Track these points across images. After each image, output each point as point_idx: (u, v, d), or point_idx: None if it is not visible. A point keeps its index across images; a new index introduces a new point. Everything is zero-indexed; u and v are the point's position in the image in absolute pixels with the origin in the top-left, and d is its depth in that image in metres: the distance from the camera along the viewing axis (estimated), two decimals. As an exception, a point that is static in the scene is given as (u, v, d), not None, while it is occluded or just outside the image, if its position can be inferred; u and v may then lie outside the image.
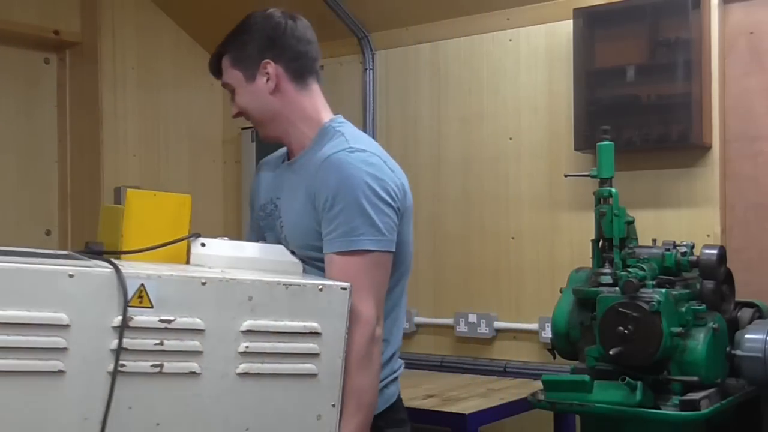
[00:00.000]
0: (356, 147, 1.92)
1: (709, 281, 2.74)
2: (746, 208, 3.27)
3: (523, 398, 2.94)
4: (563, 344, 2.81)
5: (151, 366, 1.57)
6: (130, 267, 1.60)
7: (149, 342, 1.57)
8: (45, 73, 4.19)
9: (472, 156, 3.82)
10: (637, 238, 2.81)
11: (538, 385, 2.82)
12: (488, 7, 3.73)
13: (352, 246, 1.82)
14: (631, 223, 2.78)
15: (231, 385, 1.65)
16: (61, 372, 1.50)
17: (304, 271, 1.89)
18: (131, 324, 1.54)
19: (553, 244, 3.58)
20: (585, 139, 3.37)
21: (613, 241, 2.74)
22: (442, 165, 3.90)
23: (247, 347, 1.66)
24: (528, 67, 3.67)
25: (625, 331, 2.50)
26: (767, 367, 2.57)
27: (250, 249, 1.89)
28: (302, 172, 1.96)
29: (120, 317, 1.53)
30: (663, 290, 2.56)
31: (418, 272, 3.95)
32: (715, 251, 2.71)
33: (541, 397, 2.73)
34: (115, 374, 1.53)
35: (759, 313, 2.85)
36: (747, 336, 2.64)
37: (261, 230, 2.07)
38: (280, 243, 1.96)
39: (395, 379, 2.08)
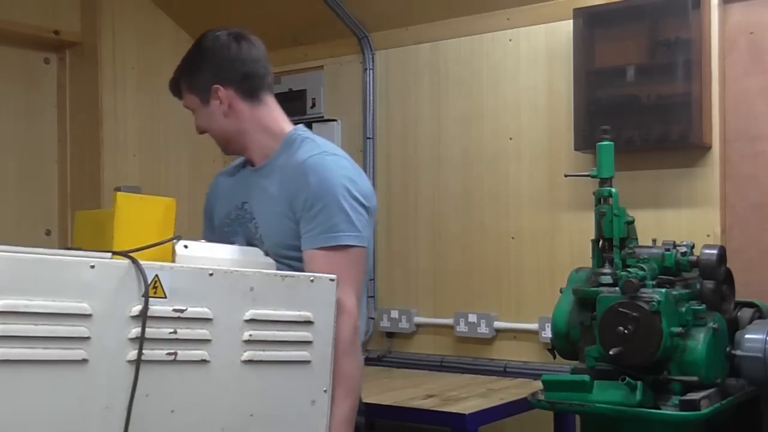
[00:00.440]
0: (329, 151, 2.07)
1: (709, 281, 2.74)
2: (746, 208, 3.27)
3: (523, 398, 2.94)
4: (563, 344, 2.81)
5: (167, 354, 1.64)
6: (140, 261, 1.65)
7: (164, 331, 1.63)
8: (45, 73, 4.19)
9: (472, 156, 3.82)
10: (637, 238, 2.81)
11: (538, 385, 2.82)
12: (488, 7, 3.73)
13: (334, 242, 1.96)
14: (631, 223, 2.78)
15: (237, 372, 1.73)
16: (84, 361, 1.55)
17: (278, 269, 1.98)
18: (152, 313, 1.60)
19: (553, 244, 3.58)
20: (585, 139, 3.37)
21: (613, 241, 2.73)
22: (442, 165, 3.90)
23: (250, 335, 1.74)
24: (528, 67, 3.67)
25: (625, 331, 2.50)
26: (767, 367, 2.57)
27: (229, 251, 1.98)
28: (273, 176, 2.09)
29: (139, 306, 1.59)
30: (663, 290, 2.56)
31: (418, 272, 3.96)
32: (715, 251, 2.71)
33: (541, 397, 2.73)
34: (138, 362, 1.59)
35: (759, 313, 2.85)
36: (747, 336, 2.64)
37: (225, 236, 2.15)
38: (252, 244, 2.07)
39: None
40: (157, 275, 1.62)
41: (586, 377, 2.61)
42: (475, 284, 3.80)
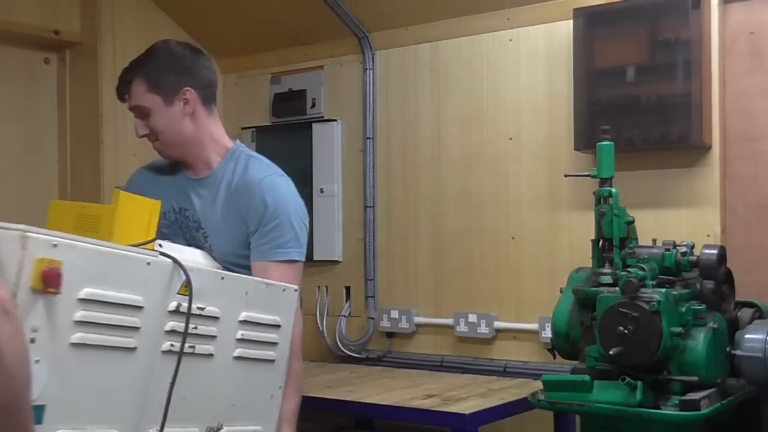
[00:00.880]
0: (278, 173, 2.30)
1: (709, 281, 2.74)
2: (746, 208, 3.27)
3: (523, 398, 2.94)
4: (563, 344, 2.81)
5: (188, 347, 1.78)
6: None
7: (188, 326, 1.77)
8: (45, 73, 4.19)
9: (472, 156, 3.82)
10: (637, 238, 2.81)
11: (538, 385, 2.82)
12: (488, 7, 3.73)
13: (285, 256, 2.21)
14: (631, 223, 2.78)
15: (229, 366, 1.91)
16: (134, 349, 1.69)
17: None
18: (180, 309, 1.75)
19: (553, 244, 3.58)
20: (585, 139, 3.37)
21: (613, 241, 2.74)
22: (442, 165, 3.90)
23: (242, 335, 1.93)
24: (528, 67, 3.67)
25: (625, 331, 2.50)
26: (767, 367, 2.57)
27: (192, 252, 2.15)
28: (218, 189, 2.26)
29: (175, 302, 1.74)
30: (663, 290, 2.56)
31: (418, 272, 3.97)
32: (715, 251, 2.71)
33: (541, 397, 2.73)
34: (181, 354, 1.75)
35: (759, 313, 2.85)
36: (747, 336, 2.64)
37: (163, 237, 2.19)
38: (199, 249, 2.22)
39: None
40: (188, 275, 1.77)
41: (586, 377, 2.61)
42: (475, 284, 3.80)
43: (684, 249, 2.74)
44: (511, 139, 3.71)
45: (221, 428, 1.90)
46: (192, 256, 2.06)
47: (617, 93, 3.38)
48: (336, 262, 4.19)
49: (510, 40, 3.71)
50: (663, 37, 3.27)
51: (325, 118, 4.21)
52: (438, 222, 3.91)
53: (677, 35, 3.23)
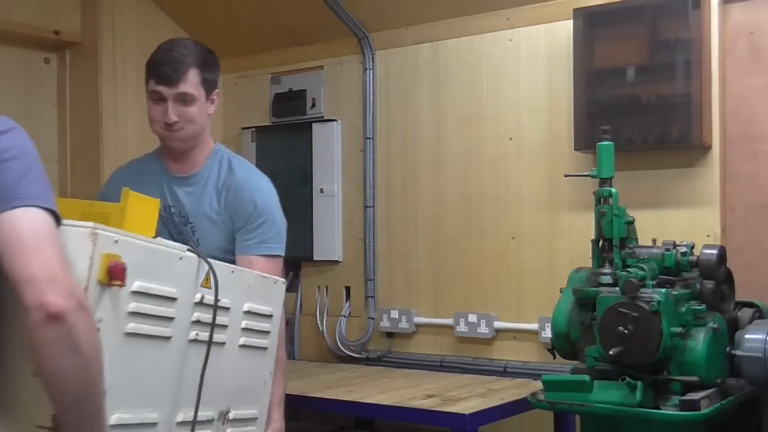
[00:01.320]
0: (261, 174, 2.50)
1: (709, 281, 2.74)
2: (746, 208, 3.27)
3: (523, 398, 2.94)
4: (563, 344, 2.81)
5: (208, 336, 1.88)
6: None
7: (208, 316, 1.89)
8: (45, 73, 4.19)
9: (472, 156, 3.82)
10: (637, 238, 2.81)
11: (538, 385, 2.82)
12: (488, 7, 3.73)
13: (269, 251, 2.40)
14: (631, 223, 2.78)
15: (235, 354, 2.02)
16: (169, 338, 1.79)
17: None
18: (204, 301, 1.87)
19: (553, 244, 3.58)
20: (585, 139, 3.37)
21: (613, 241, 2.74)
22: (442, 165, 3.90)
23: (246, 324, 2.05)
24: (528, 67, 3.67)
25: (625, 331, 2.50)
26: (767, 367, 2.57)
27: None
28: (204, 187, 2.43)
29: (199, 294, 1.86)
30: (663, 290, 2.56)
31: (418, 272, 3.96)
32: (715, 251, 2.71)
33: (541, 397, 2.73)
34: (210, 343, 1.87)
35: (759, 313, 2.85)
36: (747, 336, 2.64)
37: None
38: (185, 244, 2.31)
39: None
40: (214, 270, 1.89)
41: (586, 377, 2.61)
42: (475, 284, 3.80)
43: (684, 249, 2.74)
44: (511, 139, 3.71)
45: (229, 412, 2.02)
46: None
47: (617, 93, 3.39)
48: (336, 262, 4.19)
49: (510, 40, 3.71)
50: (663, 37, 3.27)
51: (325, 118, 4.21)
52: (438, 222, 3.91)
53: (677, 35, 3.23)
